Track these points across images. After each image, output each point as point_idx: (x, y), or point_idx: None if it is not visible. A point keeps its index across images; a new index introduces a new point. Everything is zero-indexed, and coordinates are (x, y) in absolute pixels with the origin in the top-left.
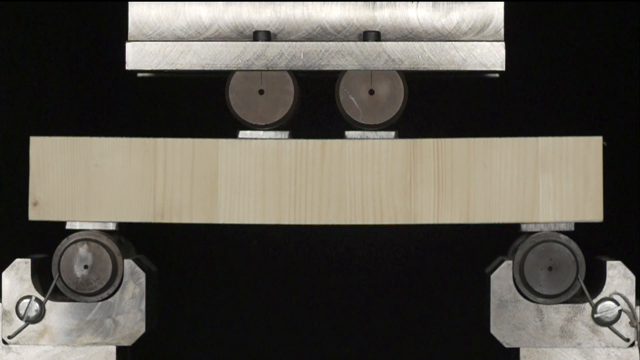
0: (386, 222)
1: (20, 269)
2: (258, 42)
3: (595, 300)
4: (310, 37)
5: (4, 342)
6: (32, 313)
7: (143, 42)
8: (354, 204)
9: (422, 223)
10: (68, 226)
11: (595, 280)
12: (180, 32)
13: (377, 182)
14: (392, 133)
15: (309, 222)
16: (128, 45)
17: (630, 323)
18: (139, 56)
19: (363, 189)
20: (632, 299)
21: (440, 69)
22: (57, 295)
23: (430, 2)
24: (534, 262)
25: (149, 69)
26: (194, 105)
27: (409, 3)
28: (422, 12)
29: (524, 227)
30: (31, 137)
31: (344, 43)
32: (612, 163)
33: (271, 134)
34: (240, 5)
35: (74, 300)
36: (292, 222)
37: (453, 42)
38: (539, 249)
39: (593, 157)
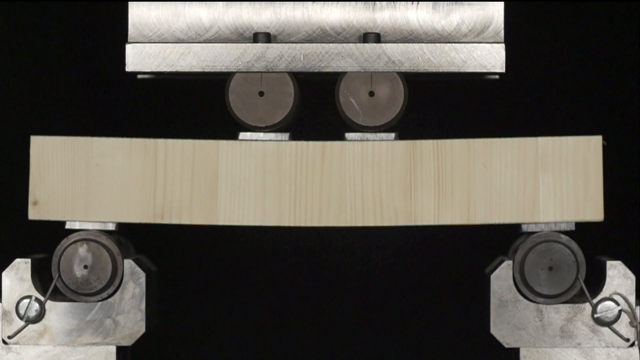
0: (386, 223)
1: (20, 269)
2: (258, 44)
3: (595, 300)
4: (310, 39)
5: (4, 342)
6: (32, 313)
7: (143, 44)
8: (354, 205)
9: (422, 224)
10: (68, 226)
11: (595, 280)
12: (180, 33)
13: (377, 184)
14: (392, 134)
15: (309, 224)
16: (128, 46)
17: (630, 323)
18: (139, 58)
19: (363, 190)
20: (632, 299)
21: (440, 70)
22: (57, 295)
23: (430, 3)
24: (535, 262)
25: (149, 70)
26: (194, 106)
27: (409, 4)
28: (422, 13)
29: (524, 227)
30: (32, 136)
31: (344, 45)
32: (612, 163)
33: (271, 135)
34: (240, 7)
35: (74, 300)
36: (292, 224)
37: (453, 44)
38: (540, 248)
39: (593, 157)
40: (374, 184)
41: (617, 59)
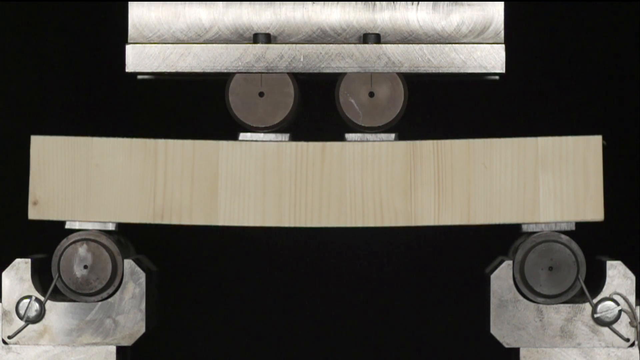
0: (387, 224)
1: (20, 269)
2: (258, 45)
3: (595, 300)
4: (310, 40)
5: (4, 342)
6: (32, 313)
7: (143, 45)
8: (354, 206)
9: (422, 225)
10: (68, 226)
11: (595, 280)
12: (180, 34)
13: (377, 184)
14: (392, 135)
15: (309, 225)
16: (128, 47)
17: (630, 323)
18: (139, 58)
19: (363, 191)
20: (632, 299)
21: (440, 71)
22: (57, 295)
23: (430, 4)
24: (535, 262)
25: (149, 71)
26: (194, 107)
27: (409, 5)
28: (422, 14)
29: (524, 227)
30: (32, 136)
31: (344, 45)
32: (612, 163)
33: (271, 136)
34: (240, 8)
35: (74, 300)
36: (292, 225)
37: (453, 45)
38: (540, 248)
39: (593, 157)
40: (374, 184)
41: (617, 59)
